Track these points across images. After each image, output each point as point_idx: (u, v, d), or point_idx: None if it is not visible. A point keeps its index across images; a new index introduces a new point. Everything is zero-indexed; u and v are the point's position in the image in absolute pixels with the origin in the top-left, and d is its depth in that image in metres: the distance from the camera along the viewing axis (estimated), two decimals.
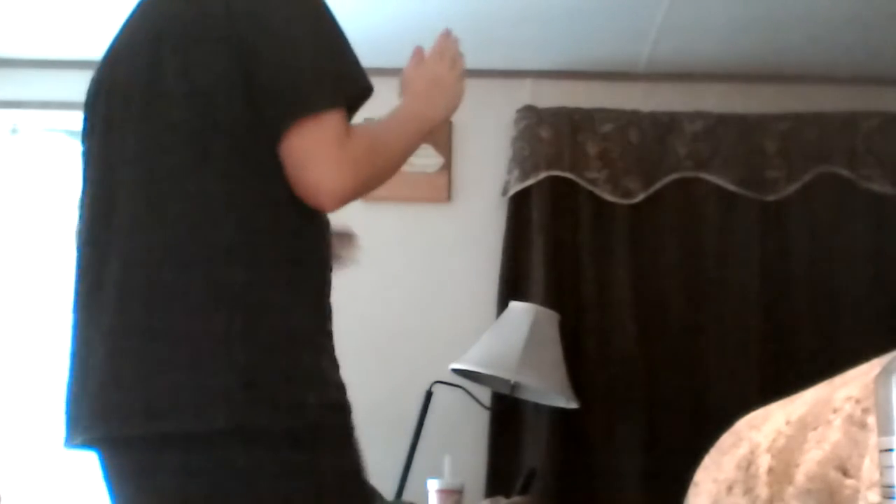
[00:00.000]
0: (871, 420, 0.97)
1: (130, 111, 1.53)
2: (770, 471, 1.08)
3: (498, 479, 3.32)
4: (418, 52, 1.76)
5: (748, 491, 1.10)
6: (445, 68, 1.71)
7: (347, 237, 1.92)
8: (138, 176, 1.50)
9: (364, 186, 1.54)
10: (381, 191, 1.62)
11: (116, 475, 1.50)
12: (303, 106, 1.47)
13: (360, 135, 1.53)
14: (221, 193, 1.46)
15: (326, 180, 1.48)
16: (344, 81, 1.53)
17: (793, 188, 3.56)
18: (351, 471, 1.48)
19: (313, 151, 1.47)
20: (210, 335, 1.40)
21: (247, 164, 1.47)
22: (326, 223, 1.59)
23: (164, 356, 1.40)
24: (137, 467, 1.45)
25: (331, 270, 1.58)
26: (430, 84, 1.69)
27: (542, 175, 3.53)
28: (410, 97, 1.69)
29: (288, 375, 1.42)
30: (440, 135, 3.57)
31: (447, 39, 1.75)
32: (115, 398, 1.42)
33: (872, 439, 0.96)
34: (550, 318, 3.27)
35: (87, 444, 1.50)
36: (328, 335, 1.53)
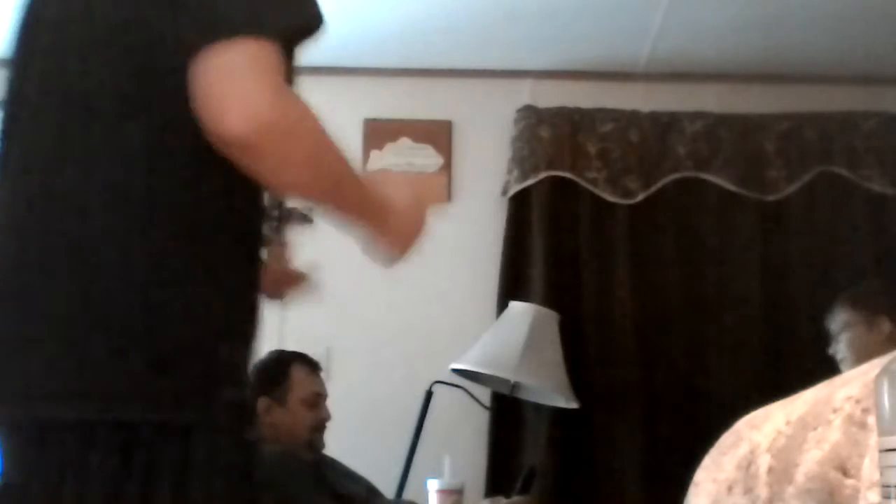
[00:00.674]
0: (871, 420, 0.97)
1: (34, 69, 1.37)
2: (770, 471, 1.08)
3: (498, 479, 3.32)
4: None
5: (748, 491, 1.11)
6: (422, 228, 1.61)
7: (298, 277, 1.79)
8: (38, 133, 1.33)
9: (284, 137, 1.23)
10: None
11: (13, 465, 1.33)
12: (223, 28, 1.20)
13: (300, 101, 1.26)
14: (133, 156, 1.27)
15: (239, 95, 1.19)
16: (282, 8, 1.27)
17: (793, 188, 3.56)
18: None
19: (230, 67, 1.19)
20: (124, 320, 1.26)
21: (165, 132, 1.27)
22: (259, 199, 1.39)
23: (79, 340, 1.26)
24: (36, 456, 1.28)
25: (260, 258, 1.40)
26: (409, 216, 1.56)
27: (542, 175, 3.53)
28: (388, 197, 1.50)
29: (206, 368, 1.29)
30: (440, 135, 3.57)
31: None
32: (20, 380, 1.29)
33: (872, 439, 0.96)
34: (550, 318, 3.27)
35: None
36: (253, 324, 1.38)
